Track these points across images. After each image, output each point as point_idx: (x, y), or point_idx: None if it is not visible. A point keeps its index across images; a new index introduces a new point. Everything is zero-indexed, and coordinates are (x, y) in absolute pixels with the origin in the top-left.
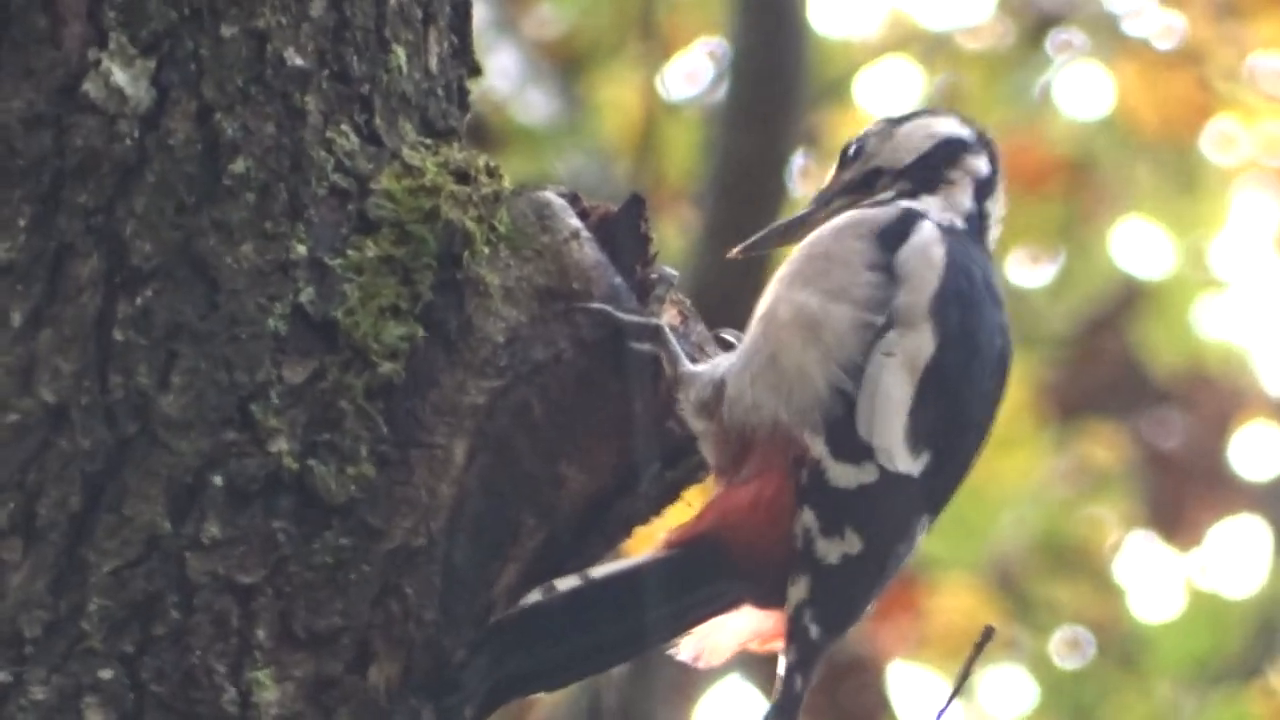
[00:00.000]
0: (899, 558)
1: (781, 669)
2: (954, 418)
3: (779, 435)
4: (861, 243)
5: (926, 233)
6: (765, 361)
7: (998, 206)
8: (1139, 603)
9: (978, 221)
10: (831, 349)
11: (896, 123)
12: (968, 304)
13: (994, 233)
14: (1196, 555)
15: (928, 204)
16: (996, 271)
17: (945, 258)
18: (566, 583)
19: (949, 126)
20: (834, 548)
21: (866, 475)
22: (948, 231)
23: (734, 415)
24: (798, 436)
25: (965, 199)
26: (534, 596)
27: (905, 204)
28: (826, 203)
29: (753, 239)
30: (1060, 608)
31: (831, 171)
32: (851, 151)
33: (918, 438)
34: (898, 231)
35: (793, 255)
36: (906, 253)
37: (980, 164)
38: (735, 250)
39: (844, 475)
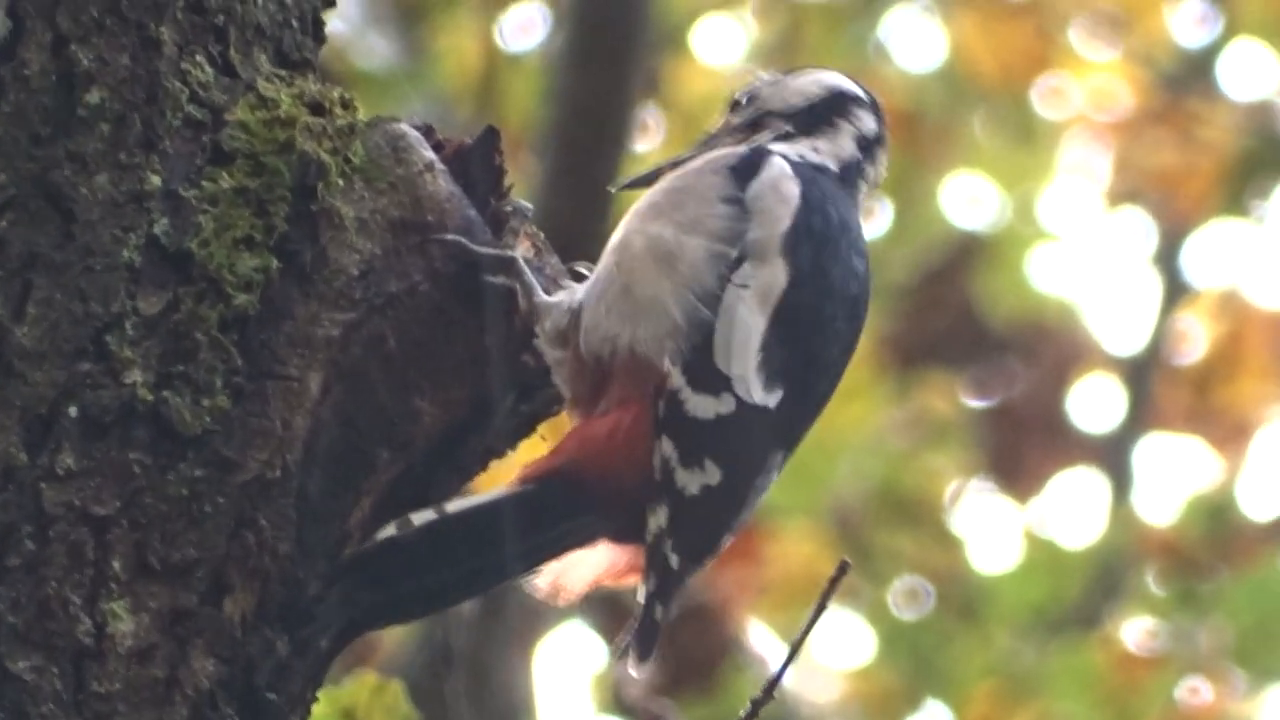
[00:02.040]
0: (758, 490)
1: (641, 597)
2: (806, 355)
3: (636, 364)
4: (715, 177)
5: (776, 168)
6: (619, 291)
7: (877, 170)
8: (978, 553)
9: (854, 172)
10: (686, 279)
11: (789, 73)
12: (822, 242)
13: (867, 190)
14: (1035, 506)
15: (799, 146)
16: (860, 220)
17: (799, 195)
18: (422, 516)
19: (841, 81)
20: (694, 478)
21: (724, 406)
22: (805, 168)
23: (590, 344)
24: (655, 365)
25: (846, 147)
26: (389, 530)
27: (759, 144)
28: (711, 146)
29: (636, 175)
30: (900, 557)
31: (719, 119)
32: (742, 99)
33: (770, 372)
34: (749, 167)
35: (649, 192)
36: (757, 188)
37: (867, 120)
38: (620, 185)
39: (701, 406)
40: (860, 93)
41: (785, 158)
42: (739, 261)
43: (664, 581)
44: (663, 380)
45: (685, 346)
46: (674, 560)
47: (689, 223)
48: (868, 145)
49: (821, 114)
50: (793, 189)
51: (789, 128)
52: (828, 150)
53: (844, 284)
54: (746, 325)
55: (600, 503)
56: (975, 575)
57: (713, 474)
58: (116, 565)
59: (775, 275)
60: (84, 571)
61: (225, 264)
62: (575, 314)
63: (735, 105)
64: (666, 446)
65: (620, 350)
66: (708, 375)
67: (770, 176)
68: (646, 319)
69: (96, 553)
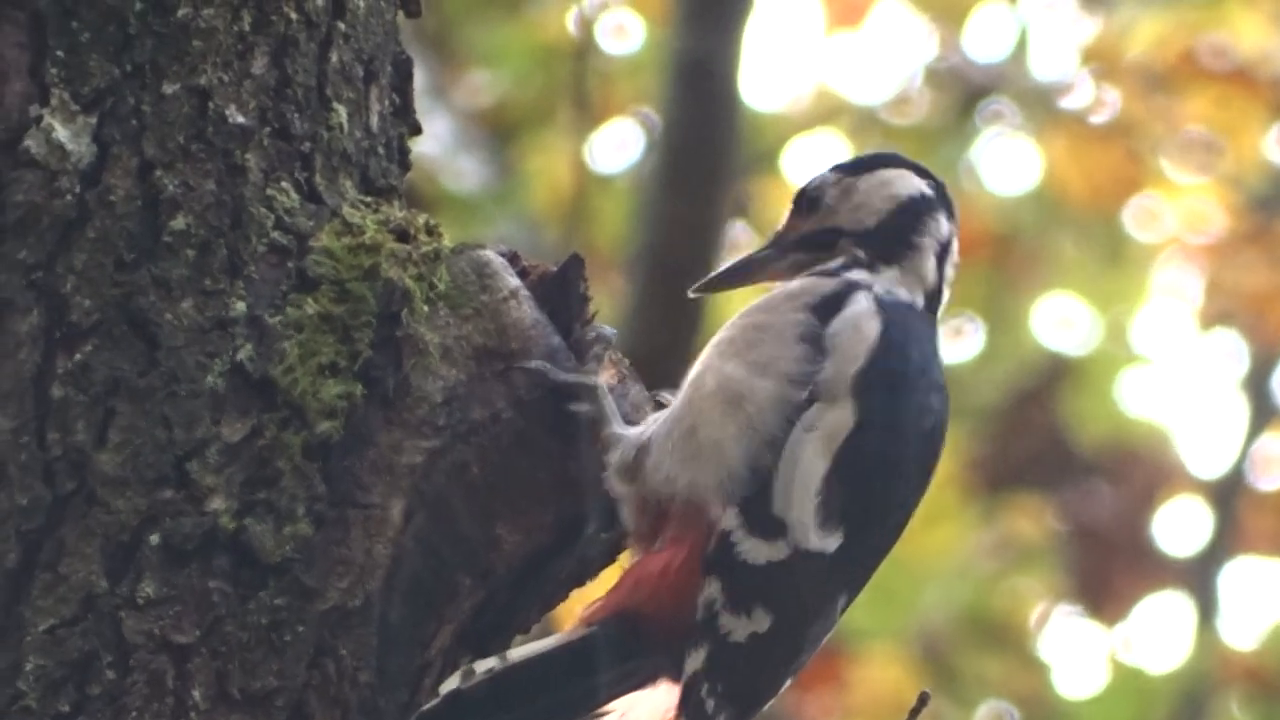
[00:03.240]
0: (815, 639)
1: None
2: (871, 497)
3: (691, 508)
4: (798, 314)
5: (861, 306)
6: (685, 432)
7: (952, 266)
8: (1064, 677)
9: (937, 292)
10: (752, 422)
11: (853, 173)
12: (896, 383)
13: (946, 295)
14: (1121, 630)
15: (884, 279)
16: (940, 350)
17: (879, 333)
18: (485, 665)
19: (909, 185)
20: (741, 625)
21: (778, 553)
22: (891, 307)
23: (652, 483)
24: (708, 509)
25: (929, 268)
26: (453, 682)
27: (849, 276)
28: (784, 252)
29: (710, 277)
30: (986, 681)
31: (786, 215)
32: (808, 201)
33: (829, 514)
34: (834, 302)
35: (733, 320)
36: (838, 324)
37: (941, 224)
38: (694, 288)
39: (755, 550)
40: (928, 190)
41: (873, 291)
42: (808, 403)
43: None
44: (715, 522)
45: (741, 492)
46: (710, 706)
47: (763, 363)
48: (944, 250)
49: (897, 232)
50: (873, 327)
51: (862, 253)
52: (913, 280)
53: (916, 424)
54: (807, 470)
55: (657, 640)
56: (1061, 700)
57: (761, 621)
58: (197, 694)
59: (843, 416)
60: (164, 700)
61: (309, 390)
62: (642, 450)
63: (801, 207)
64: (713, 588)
65: (679, 492)
66: (764, 520)
67: (853, 313)
68: (705, 463)
69: (177, 681)
